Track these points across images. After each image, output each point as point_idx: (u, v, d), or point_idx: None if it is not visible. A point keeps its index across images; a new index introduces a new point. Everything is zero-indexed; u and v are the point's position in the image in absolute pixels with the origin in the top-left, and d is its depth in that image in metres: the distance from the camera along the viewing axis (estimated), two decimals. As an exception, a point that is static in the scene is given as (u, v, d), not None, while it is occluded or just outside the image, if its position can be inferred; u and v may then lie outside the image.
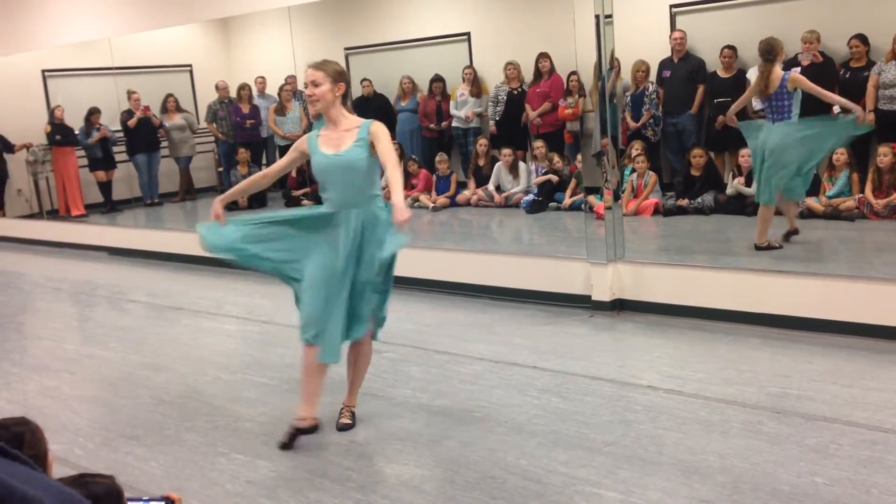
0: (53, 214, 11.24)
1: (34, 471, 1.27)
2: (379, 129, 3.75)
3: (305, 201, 10.16)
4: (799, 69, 7.53)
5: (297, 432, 3.87)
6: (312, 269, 3.77)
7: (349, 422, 4.06)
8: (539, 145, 9.02)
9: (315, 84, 3.75)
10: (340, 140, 3.78)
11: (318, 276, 3.74)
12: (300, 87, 10.80)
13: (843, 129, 6.11)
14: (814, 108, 6.13)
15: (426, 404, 4.30)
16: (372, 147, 3.72)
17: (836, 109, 6.40)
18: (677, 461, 3.44)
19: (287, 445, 3.85)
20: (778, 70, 5.95)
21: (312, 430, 3.93)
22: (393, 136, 10.50)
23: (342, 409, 4.12)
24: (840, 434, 3.58)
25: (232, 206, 10.59)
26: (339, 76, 3.79)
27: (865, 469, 3.26)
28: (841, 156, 7.06)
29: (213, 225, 3.99)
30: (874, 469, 3.26)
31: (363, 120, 3.83)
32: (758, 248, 6.11)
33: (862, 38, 7.19)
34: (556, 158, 8.83)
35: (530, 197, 8.84)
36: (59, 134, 11.00)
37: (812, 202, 7.08)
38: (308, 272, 3.78)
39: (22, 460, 1.27)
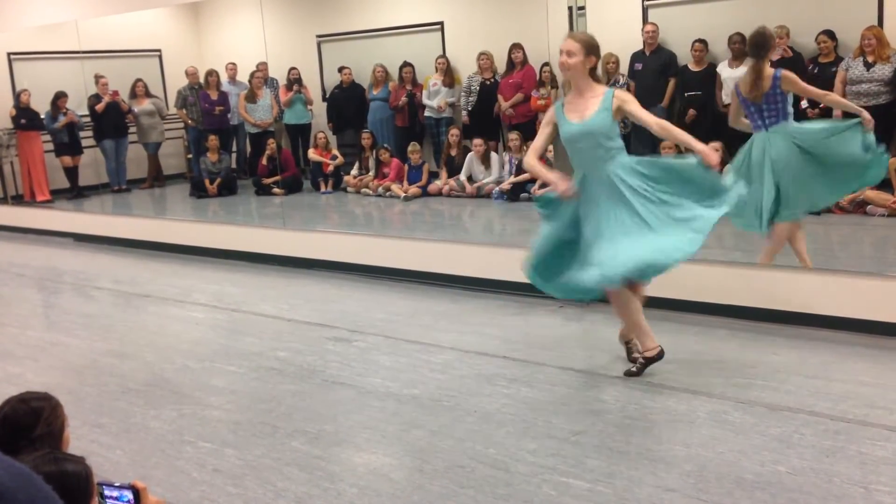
0: (18, 200, 11.05)
1: None
2: (623, 96, 4.08)
3: (276, 189, 10.10)
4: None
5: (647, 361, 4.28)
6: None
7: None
8: (514, 137, 9.02)
9: (569, 54, 4.03)
10: (585, 108, 4.07)
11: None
12: (272, 74, 10.74)
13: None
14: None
15: (395, 393, 4.30)
16: (616, 114, 4.04)
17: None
18: (644, 451, 3.47)
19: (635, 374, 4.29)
20: (769, 68, 5.06)
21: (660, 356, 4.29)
22: (364, 125, 10.53)
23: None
24: (803, 424, 3.63)
25: (201, 194, 10.55)
26: (592, 49, 4.07)
27: (828, 458, 3.31)
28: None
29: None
30: (836, 458, 3.31)
31: (608, 89, 4.10)
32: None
33: (830, 34, 7.28)
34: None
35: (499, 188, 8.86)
36: (25, 118, 10.79)
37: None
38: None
39: None
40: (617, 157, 4.09)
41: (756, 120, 5.15)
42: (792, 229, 5.16)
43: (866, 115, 5.01)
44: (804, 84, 5.11)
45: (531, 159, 4.23)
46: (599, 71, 4.25)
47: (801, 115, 7.41)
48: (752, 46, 5.04)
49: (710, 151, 3.93)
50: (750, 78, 4.98)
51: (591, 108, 4.05)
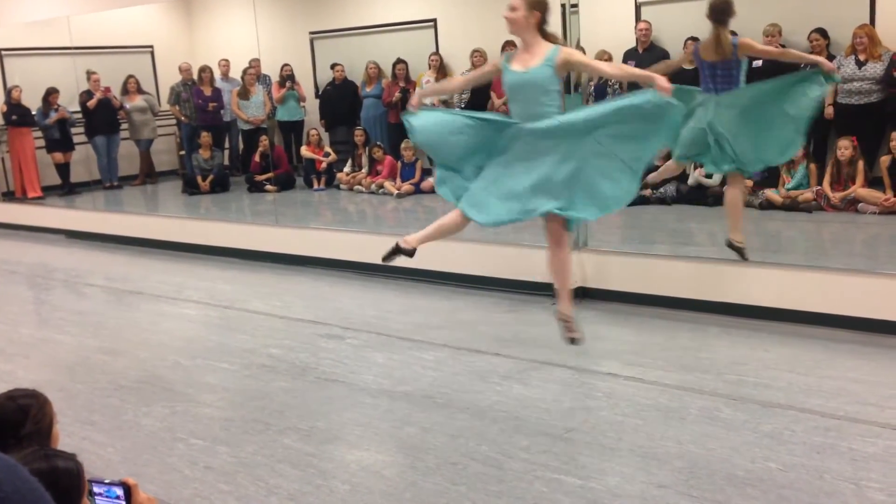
0: (9, 196, 11.01)
1: None
2: (570, 50, 4.19)
3: (269, 186, 10.08)
4: (761, 62, 7.63)
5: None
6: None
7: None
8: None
9: (512, 8, 4.10)
10: (530, 60, 4.13)
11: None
12: (264, 70, 10.71)
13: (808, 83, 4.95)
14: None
15: (388, 390, 4.29)
16: (559, 69, 4.09)
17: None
18: (636, 447, 3.48)
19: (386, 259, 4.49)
20: (728, 35, 5.16)
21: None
22: (357, 122, 10.48)
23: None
24: (794, 421, 3.64)
25: (193, 191, 10.51)
26: (535, 5, 4.12)
27: (819, 455, 3.33)
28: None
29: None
30: (827, 455, 3.32)
31: (554, 45, 4.14)
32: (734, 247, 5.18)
33: (822, 32, 7.29)
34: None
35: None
36: (16, 114, 10.75)
37: (771, 193, 7.18)
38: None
39: None
40: (553, 115, 4.16)
41: (708, 83, 5.27)
42: (734, 193, 5.22)
43: (825, 62, 5.06)
44: (760, 46, 5.27)
45: (455, 79, 4.45)
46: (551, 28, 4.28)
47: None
48: (713, 12, 5.20)
49: (663, 79, 3.96)
50: (711, 42, 5.17)
51: (535, 60, 4.13)
